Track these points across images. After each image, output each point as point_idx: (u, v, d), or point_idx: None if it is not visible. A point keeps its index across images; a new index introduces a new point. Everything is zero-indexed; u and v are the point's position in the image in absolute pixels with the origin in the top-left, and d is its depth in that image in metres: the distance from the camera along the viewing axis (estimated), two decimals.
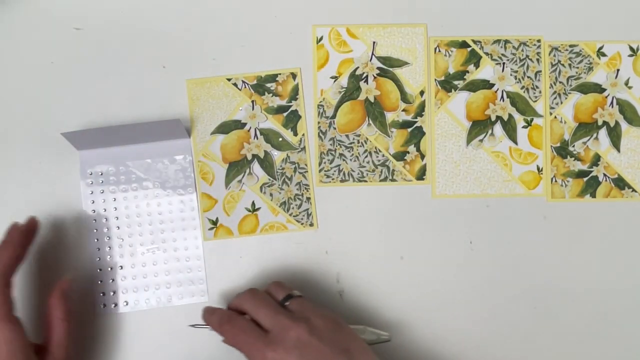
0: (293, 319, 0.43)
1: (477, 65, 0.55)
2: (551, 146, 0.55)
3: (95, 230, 0.52)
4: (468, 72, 0.55)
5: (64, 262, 0.52)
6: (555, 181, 0.54)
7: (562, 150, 0.55)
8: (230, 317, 0.45)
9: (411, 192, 0.54)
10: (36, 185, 0.53)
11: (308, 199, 0.54)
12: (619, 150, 0.55)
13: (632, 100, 0.55)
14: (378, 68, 0.55)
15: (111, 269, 0.52)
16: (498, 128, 0.55)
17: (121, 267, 0.52)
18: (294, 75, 0.55)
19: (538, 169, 0.54)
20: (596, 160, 0.55)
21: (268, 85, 0.54)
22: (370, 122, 0.55)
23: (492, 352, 0.53)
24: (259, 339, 0.42)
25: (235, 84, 0.54)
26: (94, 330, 0.52)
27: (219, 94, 0.54)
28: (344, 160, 0.54)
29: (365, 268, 0.53)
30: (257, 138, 0.54)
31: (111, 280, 0.52)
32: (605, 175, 0.54)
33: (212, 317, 0.46)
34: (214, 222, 0.53)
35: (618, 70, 0.55)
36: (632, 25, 0.56)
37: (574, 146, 0.55)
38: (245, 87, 0.54)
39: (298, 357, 0.41)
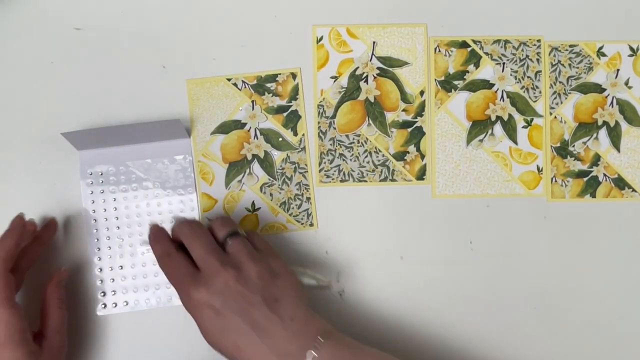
0: (223, 263, 0.43)
1: (477, 65, 0.55)
2: (551, 146, 0.55)
3: (95, 230, 0.52)
4: (468, 72, 0.55)
5: (63, 261, 0.52)
6: (555, 181, 0.54)
7: (562, 150, 0.55)
8: (169, 252, 0.45)
9: (411, 192, 0.54)
10: (36, 185, 0.53)
11: (308, 199, 0.54)
12: (619, 150, 0.55)
13: (632, 100, 0.55)
14: (378, 68, 0.55)
15: (111, 269, 0.52)
16: (498, 128, 0.55)
17: (121, 267, 0.52)
18: (294, 75, 0.55)
19: (538, 169, 0.54)
20: (596, 160, 0.55)
21: (268, 85, 0.54)
22: (370, 122, 0.55)
23: (492, 352, 0.53)
24: (188, 278, 0.43)
25: (235, 84, 0.54)
26: (93, 330, 0.52)
27: (219, 94, 0.54)
28: (344, 160, 0.54)
29: (365, 268, 0.53)
30: (257, 138, 0.54)
31: (111, 280, 0.52)
32: (605, 175, 0.54)
33: (155, 247, 0.46)
34: None
35: (618, 70, 0.55)
36: (632, 25, 0.56)
37: (574, 146, 0.55)
38: (245, 87, 0.54)
39: (221, 301, 0.41)
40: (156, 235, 0.47)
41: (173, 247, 0.45)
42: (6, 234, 0.46)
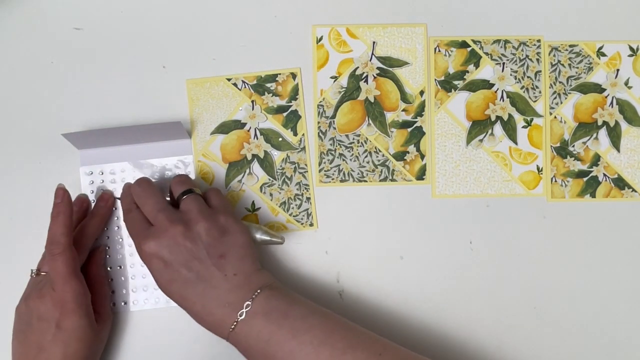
0: (172, 219, 0.45)
1: (477, 65, 0.55)
2: (551, 146, 0.55)
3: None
4: (468, 72, 0.55)
5: None
6: (555, 181, 0.54)
7: (562, 150, 0.55)
8: (130, 208, 0.48)
9: (411, 192, 0.54)
10: (36, 184, 0.53)
11: (308, 199, 0.54)
12: (618, 150, 0.55)
13: (632, 100, 0.55)
14: (378, 68, 0.55)
15: (110, 268, 0.52)
16: (498, 128, 0.55)
17: (120, 267, 0.52)
18: (294, 75, 0.55)
19: (538, 169, 0.54)
20: (596, 160, 0.54)
21: (268, 85, 0.54)
22: (370, 122, 0.55)
23: (492, 352, 0.53)
24: (141, 232, 0.46)
25: (235, 84, 0.54)
26: None
27: (219, 94, 0.54)
28: (344, 160, 0.54)
29: (365, 268, 0.53)
30: (257, 138, 0.54)
31: (110, 280, 0.52)
32: (605, 175, 0.54)
33: (121, 204, 0.49)
34: None
35: (618, 70, 0.55)
36: (632, 25, 0.56)
37: (573, 146, 0.55)
38: (245, 87, 0.54)
39: (169, 254, 0.44)
40: (123, 193, 0.50)
41: (134, 204, 0.48)
42: (55, 210, 0.47)
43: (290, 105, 0.54)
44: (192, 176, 0.53)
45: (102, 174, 0.53)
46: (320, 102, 0.55)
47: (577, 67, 0.55)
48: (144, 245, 0.44)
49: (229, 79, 0.54)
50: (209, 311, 0.44)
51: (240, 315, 0.43)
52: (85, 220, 0.50)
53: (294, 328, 0.42)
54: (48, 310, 0.45)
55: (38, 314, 0.45)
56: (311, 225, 0.54)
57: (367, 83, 0.55)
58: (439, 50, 0.55)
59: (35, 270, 0.48)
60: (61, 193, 0.47)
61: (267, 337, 0.42)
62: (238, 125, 0.54)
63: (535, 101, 0.55)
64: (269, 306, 0.43)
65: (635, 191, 0.54)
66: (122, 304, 0.52)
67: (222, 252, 0.45)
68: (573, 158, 0.54)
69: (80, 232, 0.49)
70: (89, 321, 0.46)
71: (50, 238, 0.46)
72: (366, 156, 0.54)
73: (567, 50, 0.55)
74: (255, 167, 0.54)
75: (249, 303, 0.43)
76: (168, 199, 0.48)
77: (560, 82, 0.55)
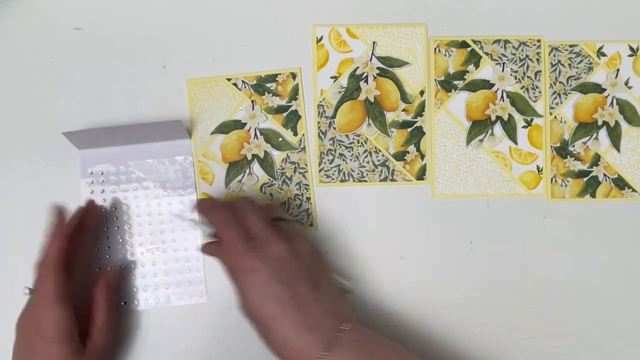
0: (279, 235, 0.45)
1: (477, 65, 0.55)
2: (551, 146, 0.55)
3: (94, 230, 0.52)
4: (468, 72, 0.55)
5: None
6: (555, 181, 0.54)
7: (562, 150, 0.55)
8: (229, 220, 0.46)
9: (411, 192, 0.54)
10: (37, 184, 0.53)
11: (308, 199, 0.54)
12: (619, 150, 0.55)
13: (632, 100, 0.55)
14: (378, 68, 0.55)
15: (110, 269, 0.52)
16: (498, 128, 0.55)
17: (120, 267, 0.52)
18: (294, 75, 0.55)
19: (538, 169, 0.54)
20: (596, 160, 0.54)
21: (268, 85, 0.54)
22: (370, 122, 0.55)
23: (492, 352, 0.53)
24: (240, 245, 0.44)
25: (235, 84, 0.54)
26: None
27: (219, 94, 0.54)
28: (344, 160, 0.54)
29: (365, 268, 0.53)
30: (257, 138, 0.54)
31: (123, 304, 0.52)
32: (605, 175, 0.54)
33: (215, 215, 0.47)
34: None
35: (618, 70, 0.55)
36: (632, 25, 0.56)
37: (574, 146, 0.55)
38: (245, 87, 0.54)
39: (271, 269, 0.43)
40: (211, 203, 0.48)
41: (231, 216, 0.46)
42: (52, 230, 0.46)
43: (290, 105, 0.54)
44: (193, 177, 0.53)
45: (102, 174, 0.53)
46: (320, 102, 0.55)
47: (577, 67, 0.55)
48: (250, 257, 0.43)
49: (229, 79, 0.54)
50: (298, 335, 0.41)
51: (330, 344, 0.41)
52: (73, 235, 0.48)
53: None
54: (30, 334, 0.44)
55: (24, 336, 0.45)
56: (311, 225, 0.54)
57: (367, 83, 0.55)
58: (439, 50, 0.55)
59: (28, 289, 0.47)
60: (59, 213, 0.45)
61: None
62: (238, 125, 0.54)
63: (535, 101, 0.55)
64: (355, 339, 0.42)
65: (635, 191, 0.54)
66: (122, 304, 0.52)
67: (318, 277, 0.45)
68: (573, 158, 0.54)
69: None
70: (73, 349, 0.44)
71: (42, 258, 0.44)
72: (366, 156, 0.54)
73: (567, 50, 0.55)
74: (255, 167, 0.54)
75: (341, 335, 0.42)
76: None
77: (560, 82, 0.55)
